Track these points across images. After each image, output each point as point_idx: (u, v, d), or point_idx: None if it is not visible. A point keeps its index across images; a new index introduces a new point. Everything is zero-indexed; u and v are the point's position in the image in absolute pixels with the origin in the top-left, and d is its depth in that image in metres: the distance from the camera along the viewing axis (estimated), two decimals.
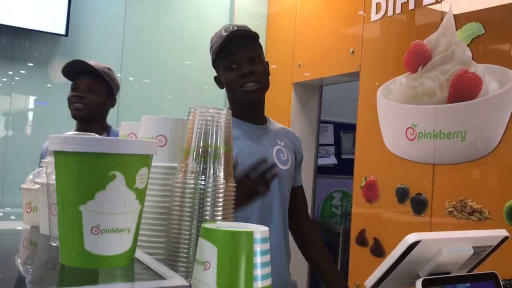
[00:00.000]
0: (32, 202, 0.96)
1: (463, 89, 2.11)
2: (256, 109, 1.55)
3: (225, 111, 0.85)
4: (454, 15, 2.19)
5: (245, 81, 1.46)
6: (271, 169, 1.32)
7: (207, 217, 0.81)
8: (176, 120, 0.89)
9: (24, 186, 0.98)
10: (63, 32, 3.03)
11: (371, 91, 2.60)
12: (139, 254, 0.75)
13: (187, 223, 0.80)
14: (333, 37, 2.99)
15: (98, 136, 0.74)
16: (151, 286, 0.64)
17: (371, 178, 2.56)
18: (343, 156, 4.08)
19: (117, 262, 0.67)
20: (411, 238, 0.77)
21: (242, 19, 3.61)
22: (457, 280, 0.81)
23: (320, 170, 3.66)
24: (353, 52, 2.77)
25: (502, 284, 0.85)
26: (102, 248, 0.66)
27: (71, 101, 1.90)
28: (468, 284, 0.81)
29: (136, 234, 0.70)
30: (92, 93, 1.90)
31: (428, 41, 2.30)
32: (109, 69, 1.98)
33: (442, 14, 2.25)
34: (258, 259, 0.65)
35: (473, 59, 2.09)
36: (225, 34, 1.45)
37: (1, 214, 1.57)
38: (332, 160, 4.04)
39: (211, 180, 0.82)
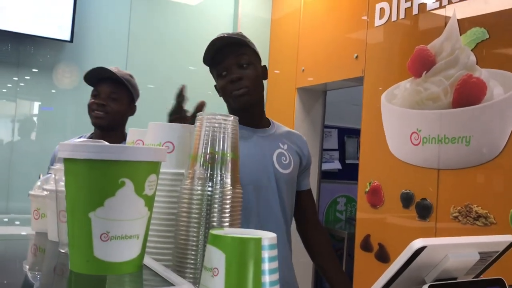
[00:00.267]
0: (40, 208, 0.96)
1: (468, 94, 2.11)
2: (251, 113, 1.55)
3: (232, 118, 0.86)
4: (458, 20, 2.20)
5: (234, 87, 1.48)
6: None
7: (215, 223, 0.81)
8: (183, 127, 0.90)
9: (32, 192, 0.99)
10: (68, 38, 3.04)
11: (375, 96, 2.61)
12: (148, 260, 0.76)
13: (195, 229, 0.80)
14: (337, 42, 2.99)
15: (107, 143, 0.74)
16: None
17: (375, 183, 2.56)
18: (347, 161, 4.07)
19: (126, 269, 0.68)
20: (417, 243, 0.77)
21: (246, 25, 3.63)
22: (463, 285, 0.81)
23: (324, 175, 3.65)
24: (357, 57, 2.78)
25: None
26: (111, 254, 0.66)
27: (92, 108, 1.85)
28: None
29: (145, 240, 0.71)
30: (114, 101, 1.86)
31: (432, 46, 2.30)
32: (130, 76, 1.95)
33: (446, 19, 2.25)
34: (266, 266, 0.65)
35: (477, 64, 2.09)
36: (211, 42, 1.49)
37: (6, 220, 1.58)
38: (336, 165, 4.03)
39: (218, 187, 0.82)
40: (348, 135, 4.11)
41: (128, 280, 0.68)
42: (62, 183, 0.83)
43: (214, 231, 0.68)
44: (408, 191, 2.36)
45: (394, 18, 2.56)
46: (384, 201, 2.50)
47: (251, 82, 1.50)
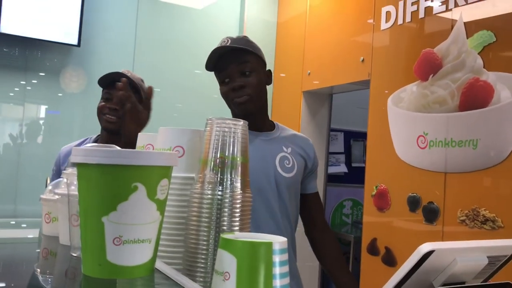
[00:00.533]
0: (51, 212, 0.97)
1: (475, 97, 2.11)
2: (253, 118, 1.55)
3: (241, 122, 0.86)
4: (464, 23, 2.19)
5: (236, 95, 1.49)
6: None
7: (225, 228, 0.81)
8: (193, 131, 0.90)
9: (43, 196, 1.00)
10: (75, 42, 3.07)
11: (381, 99, 2.60)
12: (159, 264, 0.76)
13: (205, 234, 0.81)
14: (343, 46, 3.00)
15: (118, 148, 0.75)
16: None
17: (382, 187, 2.56)
18: (354, 165, 4.07)
19: (138, 273, 0.68)
20: (425, 247, 0.77)
21: (252, 28, 3.64)
22: None
23: (330, 179, 3.65)
24: (363, 60, 2.78)
25: None
26: (124, 258, 0.66)
27: (103, 112, 1.82)
28: None
29: (157, 244, 0.71)
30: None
31: (438, 49, 2.30)
32: (142, 80, 1.93)
33: (453, 22, 2.25)
34: (277, 270, 0.66)
35: (484, 67, 2.09)
36: (214, 49, 1.49)
37: (13, 222, 1.59)
38: (342, 169, 4.03)
39: (228, 191, 0.83)
40: (354, 138, 4.11)
41: (140, 284, 0.69)
42: (73, 187, 0.84)
43: (225, 235, 0.68)
44: (415, 194, 2.36)
45: (400, 21, 2.56)
46: (390, 205, 2.50)
47: (253, 89, 1.50)
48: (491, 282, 0.90)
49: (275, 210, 1.50)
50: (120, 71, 1.85)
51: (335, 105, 3.49)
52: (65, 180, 0.89)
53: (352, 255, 3.33)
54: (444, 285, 0.81)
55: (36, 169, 3.02)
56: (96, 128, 1.94)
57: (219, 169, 0.83)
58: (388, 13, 2.64)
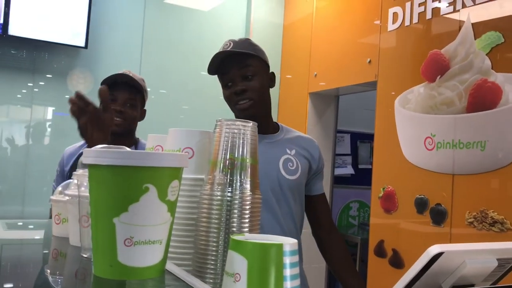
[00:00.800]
0: (61, 213, 0.97)
1: (483, 99, 2.10)
2: (257, 121, 1.54)
3: (251, 124, 0.86)
4: (472, 24, 2.19)
5: (238, 99, 1.49)
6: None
7: (234, 229, 0.81)
8: (203, 133, 0.91)
9: (53, 197, 1.00)
10: (82, 44, 3.08)
11: (388, 101, 2.60)
12: (169, 265, 0.76)
13: (215, 235, 0.81)
14: (349, 47, 2.99)
15: (128, 149, 0.75)
16: None
17: (389, 189, 2.55)
18: (360, 166, 4.06)
19: (149, 274, 0.68)
20: (434, 249, 0.77)
21: (258, 30, 3.64)
22: None
23: (337, 180, 3.65)
24: (370, 61, 2.78)
25: None
26: (135, 260, 0.67)
27: None
28: None
29: (167, 246, 0.71)
30: (131, 108, 1.82)
31: (446, 51, 2.29)
32: (143, 80, 1.92)
33: (460, 23, 2.24)
34: (287, 272, 0.65)
35: (492, 68, 2.08)
36: (217, 53, 1.49)
37: (21, 223, 1.59)
38: (349, 170, 4.02)
39: (237, 192, 0.83)
40: (361, 140, 4.10)
41: (151, 285, 0.69)
42: (84, 188, 0.84)
43: (235, 237, 0.68)
44: (422, 196, 2.35)
45: (407, 22, 2.55)
46: (398, 207, 2.49)
47: (255, 93, 1.50)
48: (500, 284, 0.89)
49: (279, 212, 1.50)
50: (122, 72, 1.85)
51: (341, 107, 3.48)
52: (75, 181, 0.89)
53: (359, 257, 3.32)
54: (453, 287, 0.81)
55: (43, 170, 3.04)
56: None
57: (229, 171, 0.83)
58: (395, 14, 2.64)
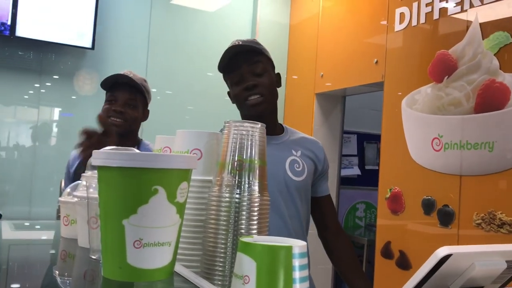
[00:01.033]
0: (70, 215, 0.98)
1: (491, 99, 2.08)
2: (264, 121, 1.54)
3: (259, 125, 0.86)
4: (480, 24, 2.17)
5: (249, 94, 1.48)
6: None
7: (243, 231, 0.81)
8: (211, 134, 0.90)
9: (61, 199, 1.00)
10: (89, 45, 3.09)
11: (395, 101, 2.59)
12: (178, 267, 0.76)
13: (223, 237, 0.80)
14: (356, 47, 2.99)
15: (137, 151, 0.75)
16: None
17: (396, 190, 2.54)
18: (367, 167, 4.04)
19: (158, 276, 0.68)
20: (442, 251, 0.76)
21: (264, 31, 3.64)
22: None
23: (343, 181, 3.64)
24: (376, 62, 2.77)
25: None
26: (144, 261, 0.66)
27: (108, 114, 1.81)
28: None
29: (176, 247, 0.71)
30: (131, 108, 1.82)
31: (453, 51, 2.28)
32: (145, 80, 1.91)
33: (468, 23, 2.23)
34: (297, 274, 0.65)
35: (500, 68, 2.07)
36: (227, 49, 1.49)
37: (28, 224, 1.60)
38: (355, 171, 4.01)
39: (246, 194, 0.82)
40: (368, 140, 4.08)
41: (159, 287, 0.69)
42: (92, 190, 0.85)
43: (244, 239, 0.68)
44: (429, 197, 2.34)
45: (414, 22, 2.54)
46: (405, 208, 2.48)
47: (266, 89, 1.50)
48: (510, 287, 0.88)
49: (285, 214, 1.49)
50: (122, 73, 1.85)
51: (348, 107, 3.47)
52: (83, 182, 0.89)
53: (365, 259, 3.31)
54: None
55: (50, 171, 3.05)
56: None
57: (237, 172, 0.83)
58: (402, 15, 2.63)
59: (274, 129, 1.58)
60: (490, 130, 2.08)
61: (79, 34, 3.08)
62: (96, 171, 0.75)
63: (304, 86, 3.45)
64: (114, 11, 3.30)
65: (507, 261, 0.82)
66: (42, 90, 3.16)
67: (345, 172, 3.87)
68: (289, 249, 0.65)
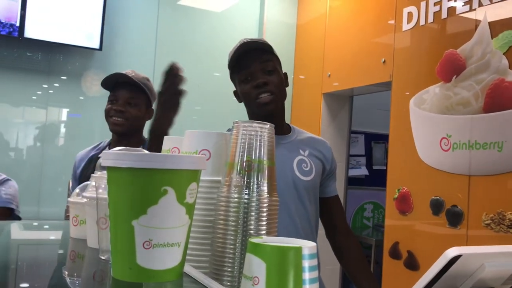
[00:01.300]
0: (79, 215, 0.98)
1: (500, 99, 2.07)
2: (272, 120, 1.53)
3: (268, 126, 0.86)
4: (489, 23, 2.16)
5: (260, 92, 1.47)
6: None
7: (252, 231, 0.81)
8: (219, 134, 0.90)
9: (71, 199, 1.01)
10: (97, 46, 3.10)
11: (403, 101, 2.58)
12: (187, 268, 0.76)
13: (232, 237, 0.80)
14: (363, 47, 2.98)
15: (147, 151, 0.75)
16: None
17: (404, 190, 2.53)
18: (375, 167, 4.03)
19: (168, 277, 0.68)
20: (452, 252, 0.76)
21: (271, 31, 3.64)
22: None
23: (351, 181, 3.63)
24: (384, 61, 2.76)
25: None
26: (154, 262, 0.66)
27: (109, 114, 1.82)
28: None
29: (186, 248, 0.71)
30: (133, 107, 1.83)
31: (462, 50, 2.27)
32: (147, 79, 1.91)
33: (476, 22, 2.22)
34: (306, 275, 0.65)
35: (510, 68, 2.05)
36: (237, 47, 1.48)
37: (36, 224, 1.60)
38: (363, 171, 4.00)
39: (255, 194, 0.82)
40: (375, 140, 4.07)
41: None
42: (101, 190, 0.85)
43: (253, 240, 0.68)
44: (438, 197, 2.32)
45: (422, 22, 2.53)
46: (413, 208, 2.47)
47: (276, 88, 1.49)
48: None
49: (295, 214, 1.48)
50: (124, 72, 1.85)
51: (355, 107, 3.46)
52: (93, 183, 0.89)
53: (373, 259, 3.30)
54: None
55: (58, 171, 3.07)
56: None
57: (246, 173, 0.83)
58: (409, 14, 2.62)
59: (281, 128, 1.58)
60: (499, 130, 2.06)
61: (87, 35, 3.10)
62: (105, 172, 0.75)
63: (311, 86, 3.44)
64: (122, 12, 3.31)
65: None
66: (50, 91, 3.18)
67: (353, 172, 3.86)
68: (298, 250, 0.65)
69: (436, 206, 2.33)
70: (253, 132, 0.85)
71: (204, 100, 3.50)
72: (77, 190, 1.01)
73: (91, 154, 1.94)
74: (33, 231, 1.34)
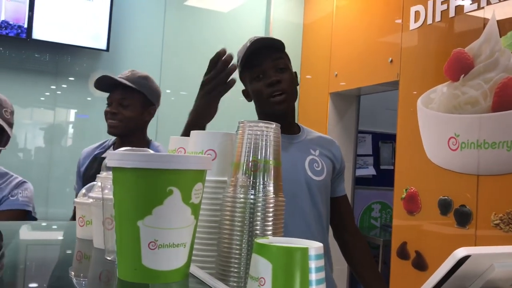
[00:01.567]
0: (85, 216, 0.98)
1: (509, 98, 2.05)
2: (283, 120, 1.52)
3: (274, 125, 0.85)
4: (497, 21, 2.14)
5: (272, 90, 1.45)
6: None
7: (258, 232, 0.80)
8: (225, 135, 0.90)
9: (77, 200, 1.01)
10: (104, 47, 3.12)
11: (410, 101, 2.56)
12: (193, 268, 0.76)
13: (238, 238, 0.80)
14: (370, 46, 2.96)
15: (152, 151, 0.75)
16: None
17: (412, 190, 2.51)
18: (382, 167, 4.01)
19: (173, 277, 0.68)
20: (460, 252, 0.75)
21: (278, 30, 3.63)
22: None
23: (359, 181, 3.61)
24: (391, 61, 2.74)
25: None
26: (159, 263, 0.66)
27: (106, 117, 1.84)
28: None
29: (191, 249, 0.71)
30: (125, 108, 1.81)
31: (470, 49, 2.25)
32: (145, 78, 1.88)
33: (485, 21, 2.20)
34: (313, 276, 0.64)
35: None
36: (249, 44, 1.46)
37: (45, 224, 1.61)
38: (370, 171, 3.98)
39: (261, 195, 0.82)
40: (383, 140, 4.05)
41: None
42: (107, 191, 0.85)
43: (259, 240, 0.67)
44: (446, 197, 2.31)
45: (429, 21, 2.51)
46: (421, 208, 2.45)
47: (288, 86, 1.47)
48: None
49: (308, 215, 1.47)
50: (122, 73, 1.86)
51: (362, 107, 3.45)
52: (98, 183, 0.89)
53: (381, 259, 3.28)
54: None
55: (66, 172, 3.08)
56: None
57: (252, 173, 0.82)
58: (417, 13, 2.60)
59: (291, 128, 1.56)
60: (508, 129, 2.04)
61: (94, 36, 3.11)
62: (110, 172, 0.75)
63: (318, 86, 3.43)
64: (129, 13, 3.32)
65: None
66: (58, 92, 3.20)
67: (360, 172, 3.85)
68: (305, 250, 0.64)
69: (444, 206, 2.31)
70: (259, 132, 0.84)
71: None
72: (83, 190, 1.01)
73: (95, 153, 1.95)
74: (42, 232, 1.35)
